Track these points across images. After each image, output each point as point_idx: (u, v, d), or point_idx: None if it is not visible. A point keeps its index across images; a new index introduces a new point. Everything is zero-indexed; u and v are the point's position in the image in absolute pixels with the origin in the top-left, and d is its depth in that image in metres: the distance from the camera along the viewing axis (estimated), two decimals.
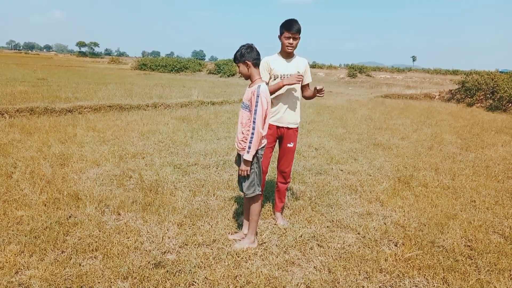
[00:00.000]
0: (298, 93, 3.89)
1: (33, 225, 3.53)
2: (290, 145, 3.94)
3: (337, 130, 9.54)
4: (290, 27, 3.59)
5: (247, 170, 3.28)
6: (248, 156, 3.20)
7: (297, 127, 4.00)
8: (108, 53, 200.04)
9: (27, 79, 17.95)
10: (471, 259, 3.40)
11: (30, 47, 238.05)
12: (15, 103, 9.93)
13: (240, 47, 3.25)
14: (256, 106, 3.14)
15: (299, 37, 3.67)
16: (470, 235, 3.85)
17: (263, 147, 3.41)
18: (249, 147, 3.19)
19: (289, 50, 3.70)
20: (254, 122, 3.16)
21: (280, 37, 3.69)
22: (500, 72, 25.03)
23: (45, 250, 3.15)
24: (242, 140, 3.30)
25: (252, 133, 3.17)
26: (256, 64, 3.26)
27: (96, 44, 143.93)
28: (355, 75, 41.37)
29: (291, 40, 3.63)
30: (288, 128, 3.89)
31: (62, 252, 3.16)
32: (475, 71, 23.39)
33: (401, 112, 13.83)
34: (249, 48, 3.23)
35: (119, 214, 3.95)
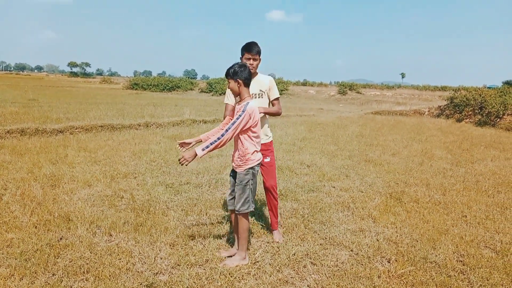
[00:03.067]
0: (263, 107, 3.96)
1: (24, 248, 3.49)
2: (267, 159, 4.00)
3: (328, 147, 9.60)
4: (250, 49, 3.78)
5: (186, 160, 3.07)
6: (200, 152, 3.08)
7: (270, 142, 4.07)
8: (99, 73, 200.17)
9: (18, 100, 17.90)
10: (464, 274, 3.41)
11: (21, 68, 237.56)
12: (5, 124, 9.88)
13: (234, 64, 3.34)
14: (237, 118, 3.20)
15: (260, 59, 3.87)
16: (462, 250, 3.87)
17: (259, 163, 3.44)
18: (207, 146, 3.12)
19: (251, 71, 3.82)
20: (227, 130, 3.17)
21: (241, 59, 3.85)
22: (488, 87, 25.46)
23: (35, 273, 3.11)
24: (238, 158, 3.35)
25: (219, 138, 3.15)
26: (246, 84, 3.35)
27: (87, 64, 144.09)
28: (346, 92, 41.86)
29: (251, 61, 3.80)
30: (261, 144, 3.94)
31: (53, 274, 3.12)
32: (463, 87, 23.81)
33: (391, 129, 13.97)
34: (243, 67, 3.32)
35: (111, 235, 3.91)
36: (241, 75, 3.29)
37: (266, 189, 4.10)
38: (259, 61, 3.89)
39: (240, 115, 3.20)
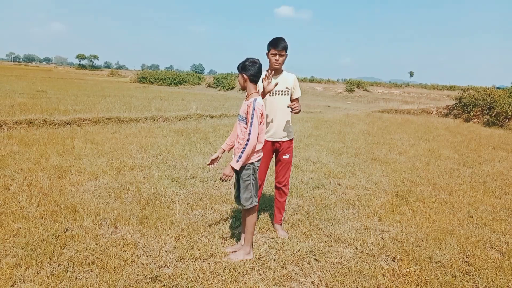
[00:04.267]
0: (288, 108, 3.98)
1: (30, 238, 3.52)
2: (286, 156, 4.04)
3: (335, 144, 9.57)
4: (276, 45, 3.73)
5: (228, 176, 3.25)
6: (236, 165, 3.23)
7: (292, 139, 4.09)
8: (107, 66, 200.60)
9: (26, 91, 18.01)
10: (469, 275, 3.39)
11: (29, 59, 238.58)
12: (13, 115, 9.95)
13: (246, 59, 3.37)
14: (252, 118, 3.22)
15: (286, 54, 3.82)
16: (468, 250, 3.84)
17: (259, 159, 3.45)
18: (240, 157, 3.23)
19: (276, 67, 3.84)
20: (249, 133, 3.22)
21: (267, 54, 3.83)
22: (497, 88, 25.22)
23: (41, 263, 3.14)
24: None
25: (246, 144, 3.23)
26: (253, 80, 3.36)
27: (95, 57, 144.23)
28: (353, 90, 41.67)
29: (277, 57, 3.77)
30: (282, 142, 3.99)
31: (59, 265, 3.14)
32: (472, 87, 23.56)
33: (398, 127, 13.89)
34: (252, 63, 3.33)
35: (116, 227, 3.93)
36: (248, 70, 3.31)
37: (278, 183, 4.12)
38: (286, 57, 3.84)
39: (253, 114, 3.22)
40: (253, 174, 3.40)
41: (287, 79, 3.95)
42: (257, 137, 3.30)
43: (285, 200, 4.18)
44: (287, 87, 3.94)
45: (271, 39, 3.80)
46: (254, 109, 3.23)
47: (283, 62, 3.84)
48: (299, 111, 4.06)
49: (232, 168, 3.24)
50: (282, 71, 3.95)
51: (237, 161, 3.23)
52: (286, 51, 3.80)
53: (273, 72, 3.75)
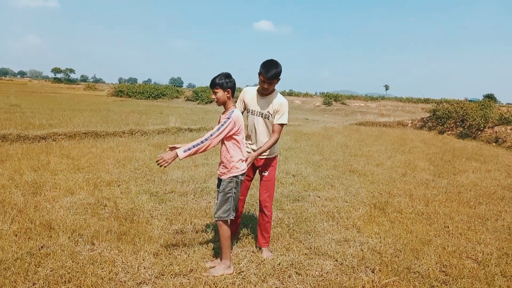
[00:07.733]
0: (269, 128, 3.81)
1: (3, 256, 3.40)
2: (265, 173, 3.93)
3: (313, 157, 9.65)
4: (266, 73, 3.52)
5: (166, 161, 3.00)
6: (182, 154, 3.04)
7: (274, 157, 3.96)
8: (84, 79, 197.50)
9: (0, 106, 17.57)
10: (446, 285, 3.45)
11: (3, 73, 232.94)
12: None
13: (220, 75, 3.34)
14: (223, 124, 3.23)
15: (278, 80, 3.63)
16: (445, 260, 3.91)
17: (243, 173, 3.45)
18: (189, 148, 3.09)
19: (264, 93, 3.72)
20: (211, 135, 3.18)
21: (259, 75, 3.62)
22: (470, 100, 26.01)
23: (15, 282, 3.04)
24: (223, 166, 3.36)
25: (202, 142, 3.14)
26: (234, 93, 3.38)
27: (72, 71, 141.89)
28: (331, 103, 42.30)
29: (266, 85, 3.59)
30: (260, 159, 3.88)
31: (33, 284, 3.05)
32: (445, 100, 24.23)
33: (375, 139, 14.12)
34: (229, 77, 3.35)
35: (93, 244, 3.85)
36: (229, 84, 3.33)
37: (259, 203, 4.02)
38: (276, 83, 3.64)
39: (225, 122, 3.24)
40: (235, 188, 3.41)
41: (272, 103, 3.73)
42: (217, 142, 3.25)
43: (267, 223, 3.97)
44: (268, 111, 3.74)
45: (265, 61, 3.59)
46: (229, 118, 3.24)
47: (272, 88, 3.68)
48: (272, 144, 3.75)
49: (175, 156, 3.03)
50: (274, 90, 3.77)
51: (185, 151, 3.06)
52: (276, 78, 3.59)
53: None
